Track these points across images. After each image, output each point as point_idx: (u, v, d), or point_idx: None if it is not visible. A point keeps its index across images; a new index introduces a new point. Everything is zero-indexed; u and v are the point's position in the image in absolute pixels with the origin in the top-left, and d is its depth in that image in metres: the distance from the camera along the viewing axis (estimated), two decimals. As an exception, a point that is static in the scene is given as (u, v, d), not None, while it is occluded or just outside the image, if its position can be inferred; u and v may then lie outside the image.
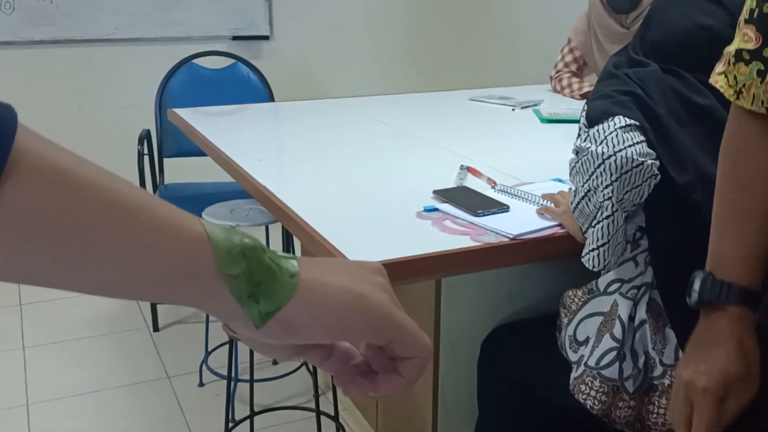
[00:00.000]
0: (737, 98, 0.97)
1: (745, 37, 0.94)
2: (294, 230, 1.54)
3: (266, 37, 3.89)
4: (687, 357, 1.02)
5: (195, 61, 3.15)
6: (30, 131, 0.39)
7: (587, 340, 1.32)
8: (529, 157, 2.03)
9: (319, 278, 0.46)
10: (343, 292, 0.46)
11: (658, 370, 1.25)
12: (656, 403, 1.25)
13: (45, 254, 0.38)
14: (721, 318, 0.98)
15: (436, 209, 1.52)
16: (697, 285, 1.01)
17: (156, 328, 2.84)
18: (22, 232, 0.37)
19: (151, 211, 0.41)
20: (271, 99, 3.14)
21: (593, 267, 1.28)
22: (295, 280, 0.44)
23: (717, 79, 1.01)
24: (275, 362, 2.60)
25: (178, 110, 2.60)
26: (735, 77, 0.97)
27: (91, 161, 0.42)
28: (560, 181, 1.70)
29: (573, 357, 1.35)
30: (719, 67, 1.01)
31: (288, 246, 2.92)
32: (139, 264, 0.41)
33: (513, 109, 2.62)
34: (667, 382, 1.24)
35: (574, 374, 1.32)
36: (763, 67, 0.93)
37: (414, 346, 0.48)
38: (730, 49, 0.98)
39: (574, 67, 2.81)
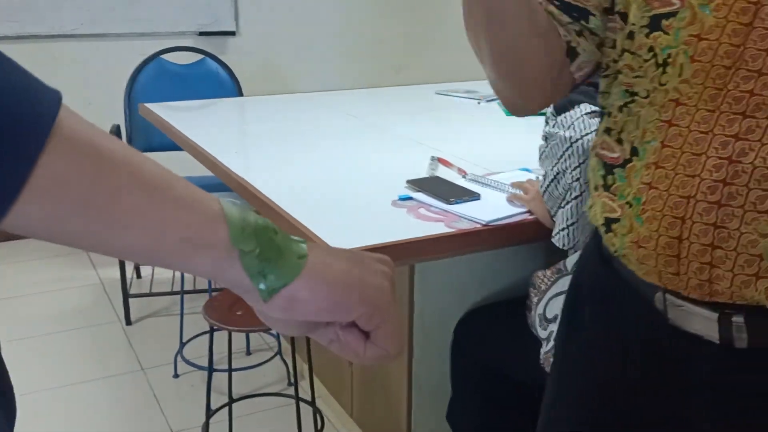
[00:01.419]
0: None
1: None
2: (271, 219, 1.59)
3: (232, 33, 3.91)
4: None
5: (163, 56, 3.16)
6: (72, 112, 0.44)
7: (556, 317, 1.40)
8: (496, 148, 2.11)
9: (324, 260, 0.51)
10: (344, 274, 0.51)
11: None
12: None
13: (78, 218, 0.43)
14: None
15: (410, 198, 1.58)
16: None
17: (128, 322, 2.85)
18: (58, 196, 0.42)
19: (172, 187, 0.46)
20: (240, 94, 3.17)
21: (563, 246, 1.36)
22: (303, 261, 0.49)
23: None
24: (249, 353, 2.65)
25: (150, 105, 2.62)
26: None
27: (122, 141, 0.48)
28: (527, 170, 1.78)
29: (543, 334, 1.43)
30: None
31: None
32: (159, 233, 0.45)
33: (479, 103, 2.70)
34: None
35: (543, 349, 1.40)
36: None
37: (388, 341, 0.54)
38: None
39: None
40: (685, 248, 0.74)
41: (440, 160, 1.83)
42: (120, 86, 3.11)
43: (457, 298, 1.80)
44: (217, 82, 3.19)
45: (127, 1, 3.60)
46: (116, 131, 2.87)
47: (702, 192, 0.72)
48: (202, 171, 2.08)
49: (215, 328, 1.81)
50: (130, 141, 3.04)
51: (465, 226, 1.44)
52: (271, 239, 0.49)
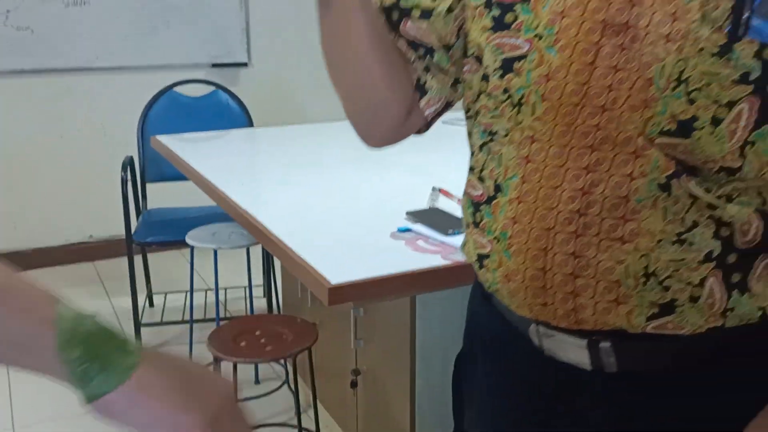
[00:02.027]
0: None
1: None
2: (274, 251, 1.62)
3: (244, 64, 3.98)
4: None
5: (176, 89, 3.22)
6: None
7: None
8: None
9: (152, 380, 0.52)
10: (164, 402, 0.52)
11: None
12: None
13: None
14: None
15: (409, 230, 1.60)
16: None
17: (140, 351, 2.88)
18: None
19: (8, 291, 0.52)
20: (250, 124, 3.22)
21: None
22: (127, 375, 0.51)
23: None
24: (257, 381, 2.66)
25: (160, 137, 2.67)
26: None
27: None
28: (527, 201, 1.79)
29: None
30: None
31: (268, 266, 3.00)
32: None
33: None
34: None
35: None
36: None
37: None
38: None
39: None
40: (549, 279, 0.76)
41: (441, 191, 1.85)
42: (134, 117, 3.17)
43: (459, 329, 1.81)
44: (228, 113, 3.24)
45: (142, 33, 3.67)
46: (129, 162, 2.93)
47: (560, 223, 0.74)
48: (210, 201, 2.12)
49: (219, 358, 1.82)
50: (143, 171, 3.09)
51: (460, 257, 1.46)
52: (99, 347, 0.52)
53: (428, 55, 0.88)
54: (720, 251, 0.72)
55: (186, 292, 3.26)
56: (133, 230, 2.86)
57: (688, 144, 0.69)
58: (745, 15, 0.66)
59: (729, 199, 0.71)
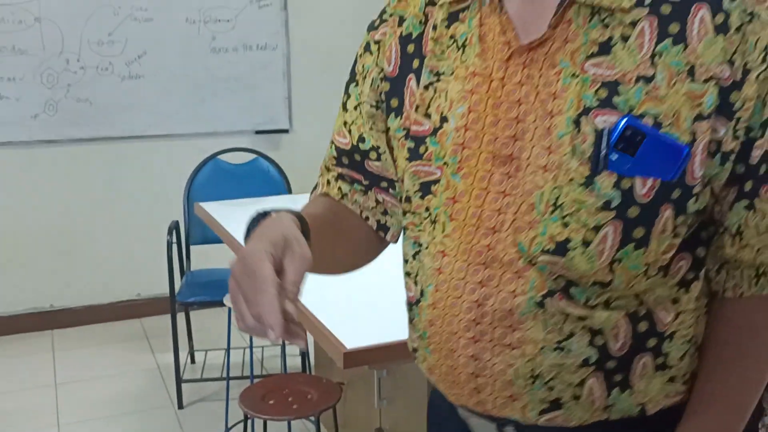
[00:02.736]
0: None
1: None
2: (300, 316, 1.75)
3: (286, 131, 4.19)
4: None
5: (219, 156, 3.44)
6: None
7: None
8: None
9: None
10: None
11: None
12: None
13: None
14: None
15: (423, 298, 1.72)
16: None
17: (180, 406, 3.02)
18: None
19: None
20: (289, 191, 3.40)
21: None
22: None
23: None
24: (290, 438, 2.77)
25: (203, 204, 2.86)
26: None
27: None
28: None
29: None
30: None
31: (304, 327, 3.12)
32: None
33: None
34: None
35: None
36: None
37: None
38: None
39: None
40: (457, 376, 0.87)
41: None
42: (181, 182, 3.38)
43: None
44: (268, 179, 3.43)
45: (191, 103, 3.92)
46: (175, 226, 3.12)
47: (461, 329, 0.84)
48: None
49: (249, 416, 1.95)
50: (187, 235, 3.29)
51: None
52: None
53: (390, 188, 1.00)
54: (597, 357, 0.81)
55: (222, 350, 3.41)
56: (177, 290, 3.03)
57: (564, 262, 0.78)
58: (603, 151, 0.76)
59: (606, 304, 0.80)
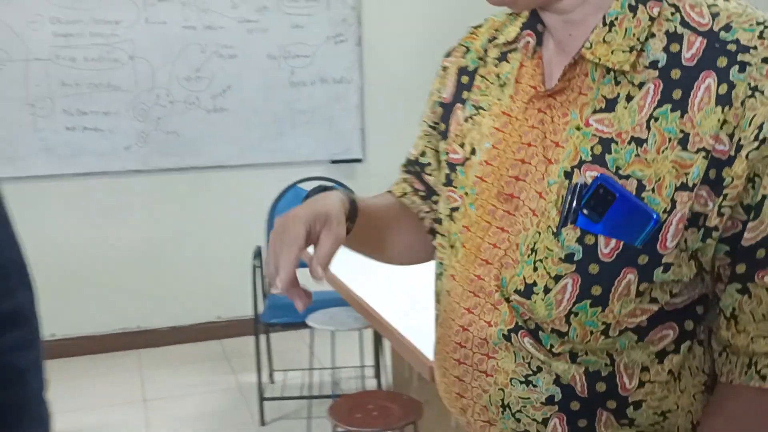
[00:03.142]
0: None
1: None
2: (383, 332, 1.86)
3: (359, 160, 4.34)
4: None
5: (299, 184, 3.60)
6: None
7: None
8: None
9: None
10: None
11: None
12: None
13: None
14: None
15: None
16: None
17: (263, 423, 3.16)
18: None
19: None
20: (365, 217, 3.53)
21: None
22: None
23: None
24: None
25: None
26: None
27: None
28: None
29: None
30: None
31: (377, 348, 3.24)
32: None
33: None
34: None
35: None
36: None
37: None
38: None
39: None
40: (450, 393, 0.93)
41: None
42: (261, 209, 3.56)
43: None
44: (345, 206, 3.57)
45: (271, 134, 4.11)
46: (258, 252, 3.28)
47: (451, 350, 0.90)
48: (325, 285, 2.40)
49: (337, 428, 2.07)
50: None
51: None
52: None
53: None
54: (561, 397, 0.82)
55: (301, 370, 3.54)
56: (259, 312, 3.18)
57: (529, 304, 0.81)
58: (573, 205, 0.77)
59: (572, 356, 0.81)
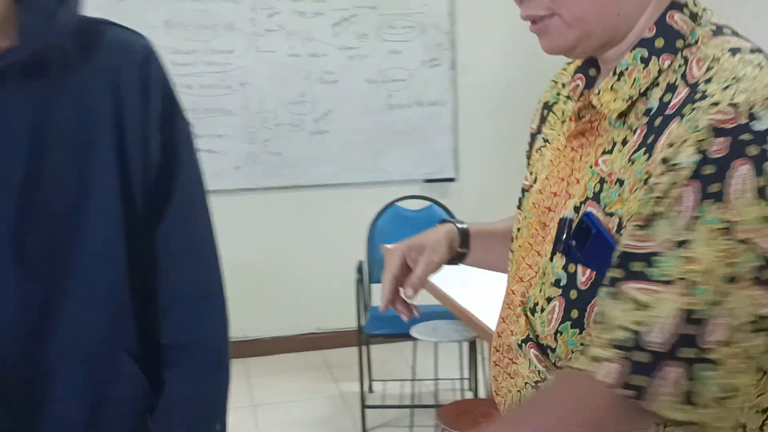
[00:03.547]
0: None
1: None
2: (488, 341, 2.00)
3: (452, 179, 4.49)
4: None
5: (398, 203, 3.79)
6: None
7: None
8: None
9: None
10: None
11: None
12: None
13: None
14: None
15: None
16: None
17: (364, 430, 3.33)
18: None
19: None
20: (462, 234, 3.67)
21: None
22: None
23: None
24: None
25: (388, 246, 3.19)
26: None
27: None
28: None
29: None
30: None
31: (474, 360, 3.36)
32: None
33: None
34: None
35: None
36: None
37: None
38: None
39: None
40: (493, 391, 1.02)
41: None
42: (363, 226, 3.75)
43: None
44: (442, 224, 3.72)
45: (369, 156, 4.32)
46: (359, 266, 3.47)
47: (492, 353, 1.00)
48: (430, 299, 2.55)
49: (447, 429, 2.22)
50: (370, 274, 3.64)
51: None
52: None
53: None
54: None
55: (401, 381, 3.70)
56: (362, 324, 3.37)
57: (533, 320, 0.90)
58: (564, 235, 0.85)
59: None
